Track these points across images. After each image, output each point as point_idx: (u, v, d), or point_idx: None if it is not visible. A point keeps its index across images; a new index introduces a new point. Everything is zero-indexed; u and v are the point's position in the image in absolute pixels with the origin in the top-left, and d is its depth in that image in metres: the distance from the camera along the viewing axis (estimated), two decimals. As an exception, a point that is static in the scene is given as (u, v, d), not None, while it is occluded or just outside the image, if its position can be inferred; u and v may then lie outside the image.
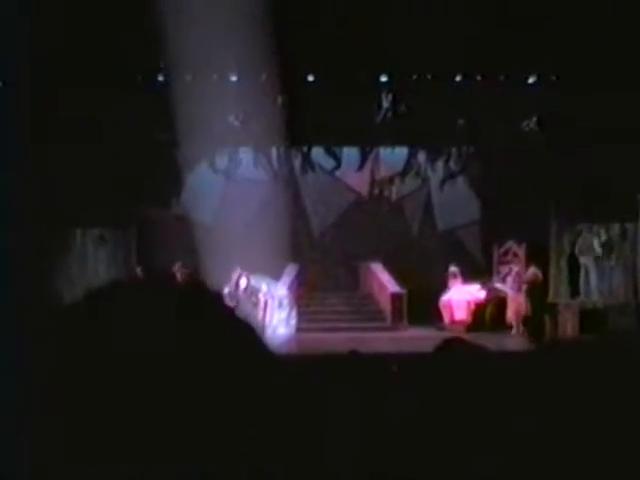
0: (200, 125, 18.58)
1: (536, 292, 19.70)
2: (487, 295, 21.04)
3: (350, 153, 22.60)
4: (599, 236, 19.82)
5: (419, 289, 20.48)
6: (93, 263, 20.25)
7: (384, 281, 21.39)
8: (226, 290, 19.00)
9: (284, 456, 1.32)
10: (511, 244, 21.67)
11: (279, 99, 19.44)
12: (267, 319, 19.69)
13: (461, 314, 20.92)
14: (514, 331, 19.90)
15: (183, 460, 1.24)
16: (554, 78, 19.52)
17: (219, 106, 19.23)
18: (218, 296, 1.43)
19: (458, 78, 19.84)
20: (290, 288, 20.69)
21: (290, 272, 21.32)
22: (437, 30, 18.15)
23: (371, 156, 22.86)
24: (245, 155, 21.81)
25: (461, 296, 21.11)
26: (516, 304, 20.26)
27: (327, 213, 23.40)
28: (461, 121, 20.04)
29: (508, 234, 21.26)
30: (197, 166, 21.61)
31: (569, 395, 1.49)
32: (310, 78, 19.91)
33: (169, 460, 1.24)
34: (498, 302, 20.91)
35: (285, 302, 20.24)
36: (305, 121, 19.42)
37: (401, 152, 22.67)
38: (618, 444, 1.44)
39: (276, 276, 20.63)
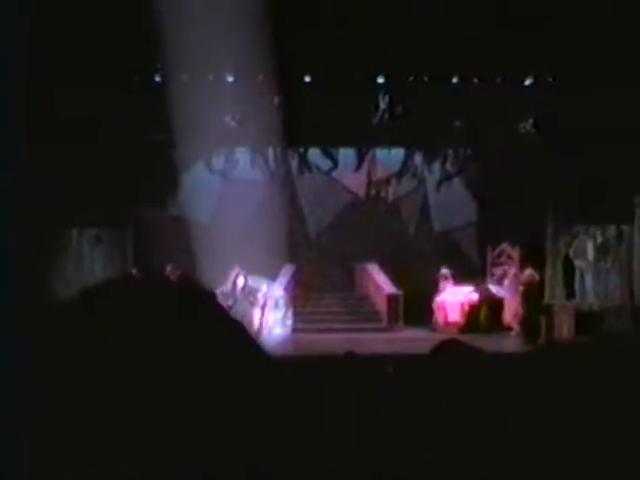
0: (197, 125, 18.57)
1: (532, 294, 19.70)
2: (480, 297, 21.05)
3: (347, 154, 22.61)
4: (595, 239, 19.82)
5: (415, 290, 20.49)
6: (89, 263, 20.21)
7: (380, 282, 21.39)
8: (223, 289, 19.00)
9: (280, 457, 1.32)
10: (505, 246, 21.69)
11: (276, 100, 19.44)
12: (264, 319, 19.69)
13: (455, 315, 20.93)
14: (513, 333, 19.88)
15: (181, 460, 1.24)
16: (551, 80, 19.54)
17: (216, 106, 19.22)
18: (212, 296, 1.43)
19: (455, 80, 19.86)
20: (286, 288, 20.69)
21: (286, 272, 21.31)
22: (434, 32, 18.16)
23: (368, 157, 22.87)
24: (242, 155, 21.81)
25: (455, 298, 21.13)
26: (514, 306, 20.26)
27: (324, 214, 23.41)
28: (458, 123, 20.06)
29: (504, 236, 21.27)
30: (194, 166, 21.60)
31: (565, 397, 1.50)
32: (307, 79, 19.92)
33: (166, 459, 1.24)
34: (492, 304, 20.92)
35: (281, 302, 20.22)
36: (302, 122, 19.41)
37: (398, 153, 22.69)
38: (613, 445, 1.45)
39: (272, 276, 20.62)
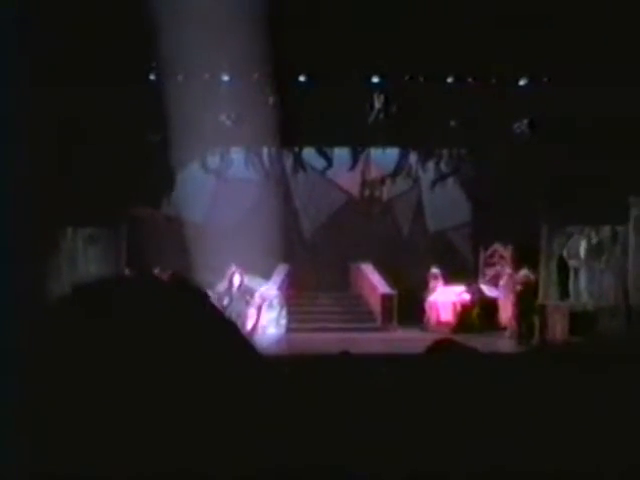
0: (192, 125, 18.55)
1: (527, 294, 19.72)
2: (472, 297, 21.08)
3: (341, 154, 22.60)
4: (589, 239, 19.83)
5: (409, 290, 20.51)
6: (83, 262, 20.18)
7: (374, 282, 21.41)
8: (219, 287, 19.03)
9: (275, 455, 1.32)
10: (497, 246, 21.72)
11: (271, 99, 19.42)
12: (260, 318, 19.72)
13: (447, 315, 20.97)
14: (507, 333, 19.87)
15: (174, 457, 1.24)
16: (546, 80, 19.55)
17: (211, 106, 19.21)
18: (205, 296, 1.43)
19: (450, 80, 19.85)
20: (280, 288, 20.70)
21: (280, 272, 21.33)
22: (429, 32, 18.17)
23: (362, 157, 22.86)
24: (236, 155, 21.79)
25: (447, 297, 21.16)
26: (509, 306, 20.27)
27: (318, 213, 23.42)
28: (453, 122, 20.05)
29: (499, 236, 21.29)
30: (188, 165, 21.57)
31: (559, 396, 1.50)
32: (302, 78, 19.90)
33: (160, 457, 1.24)
34: (484, 304, 20.96)
35: (275, 302, 20.24)
36: (297, 121, 19.41)
37: (392, 153, 22.69)
38: (607, 443, 1.46)
39: (266, 276, 20.63)
